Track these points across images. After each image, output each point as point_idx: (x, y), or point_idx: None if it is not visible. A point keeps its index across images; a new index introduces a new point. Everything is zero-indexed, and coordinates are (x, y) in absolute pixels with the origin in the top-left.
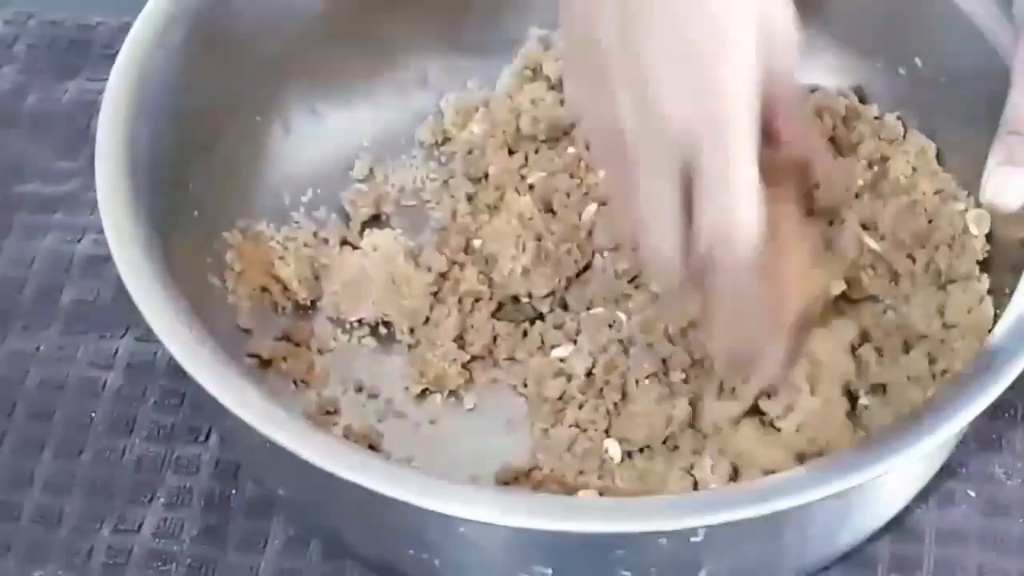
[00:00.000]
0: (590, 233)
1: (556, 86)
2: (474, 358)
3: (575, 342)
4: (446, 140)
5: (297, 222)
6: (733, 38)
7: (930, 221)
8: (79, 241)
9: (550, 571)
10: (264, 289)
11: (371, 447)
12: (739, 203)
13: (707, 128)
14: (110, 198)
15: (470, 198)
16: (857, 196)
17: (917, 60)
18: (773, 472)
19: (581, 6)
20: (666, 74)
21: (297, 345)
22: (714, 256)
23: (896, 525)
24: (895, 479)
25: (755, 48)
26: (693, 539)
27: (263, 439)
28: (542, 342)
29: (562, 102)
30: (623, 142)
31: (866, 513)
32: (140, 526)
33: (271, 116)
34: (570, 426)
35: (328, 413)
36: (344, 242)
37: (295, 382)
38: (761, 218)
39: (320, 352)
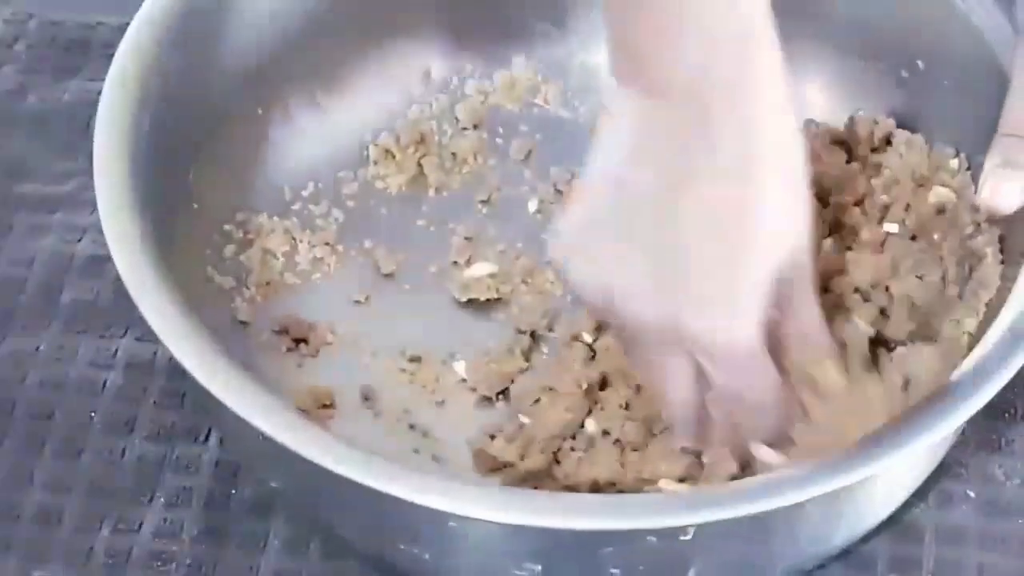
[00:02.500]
0: None
1: None
2: None
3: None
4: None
5: (297, 215)
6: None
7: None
8: (79, 241)
9: (539, 568)
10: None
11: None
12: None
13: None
14: (109, 193)
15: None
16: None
17: (919, 62)
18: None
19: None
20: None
21: (295, 340)
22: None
23: (896, 525)
24: (888, 479)
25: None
26: (683, 537)
27: (258, 433)
28: None
29: None
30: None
31: (859, 513)
32: (140, 526)
33: (272, 109)
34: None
35: (324, 407)
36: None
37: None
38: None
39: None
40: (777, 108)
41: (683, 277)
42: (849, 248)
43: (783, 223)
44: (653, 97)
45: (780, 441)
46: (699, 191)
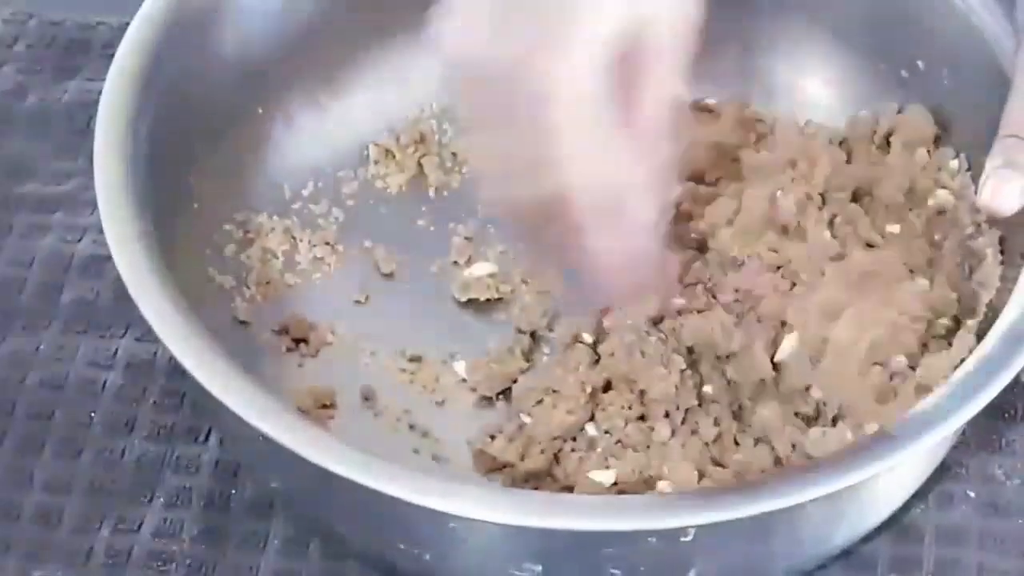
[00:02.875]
0: None
1: None
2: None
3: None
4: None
5: (297, 215)
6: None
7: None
8: (79, 241)
9: (540, 568)
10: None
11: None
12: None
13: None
14: (109, 193)
15: None
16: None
17: (919, 63)
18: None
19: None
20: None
21: (295, 340)
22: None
23: (896, 525)
24: (888, 480)
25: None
26: (683, 538)
27: (258, 434)
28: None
29: None
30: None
31: (860, 513)
32: (140, 526)
33: (272, 108)
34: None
35: (324, 407)
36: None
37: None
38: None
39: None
40: None
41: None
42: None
43: None
44: None
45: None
46: None
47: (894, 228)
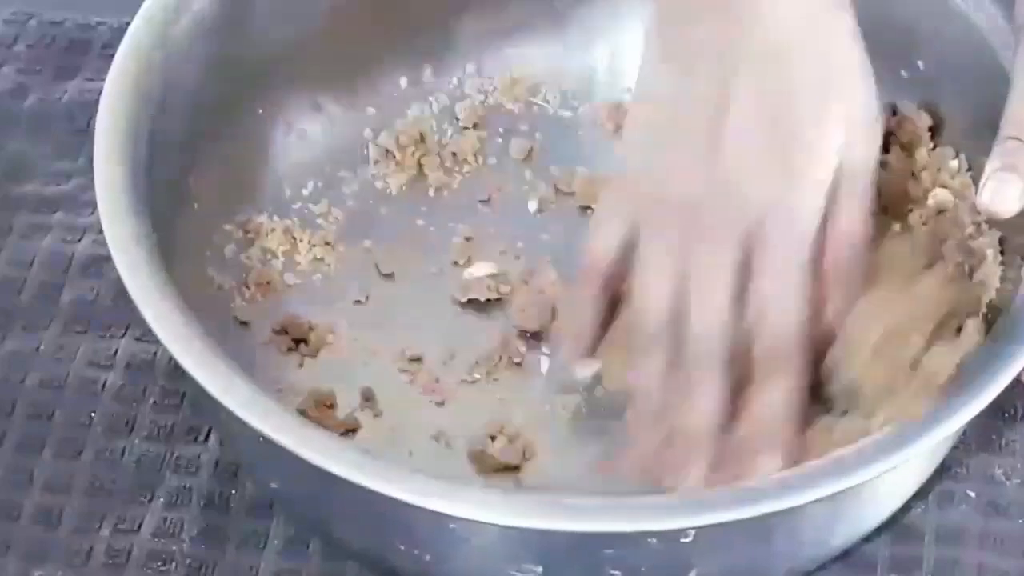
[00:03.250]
0: None
1: None
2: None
3: None
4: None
5: (297, 215)
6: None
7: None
8: (79, 241)
9: (540, 569)
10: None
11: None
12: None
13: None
14: (108, 194)
15: None
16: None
17: (919, 62)
18: None
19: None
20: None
21: (295, 340)
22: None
23: (896, 525)
24: (888, 481)
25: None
26: (683, 540)
27: (257, 435)
28: None
29: None
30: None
31: (860, 514)
32: (140, 526)
33: (272, 110)
34: None
35: (324, 407)
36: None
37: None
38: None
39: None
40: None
41: (742, 151)
42: None
43: (854, 114)
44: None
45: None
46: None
47: (894, 227)
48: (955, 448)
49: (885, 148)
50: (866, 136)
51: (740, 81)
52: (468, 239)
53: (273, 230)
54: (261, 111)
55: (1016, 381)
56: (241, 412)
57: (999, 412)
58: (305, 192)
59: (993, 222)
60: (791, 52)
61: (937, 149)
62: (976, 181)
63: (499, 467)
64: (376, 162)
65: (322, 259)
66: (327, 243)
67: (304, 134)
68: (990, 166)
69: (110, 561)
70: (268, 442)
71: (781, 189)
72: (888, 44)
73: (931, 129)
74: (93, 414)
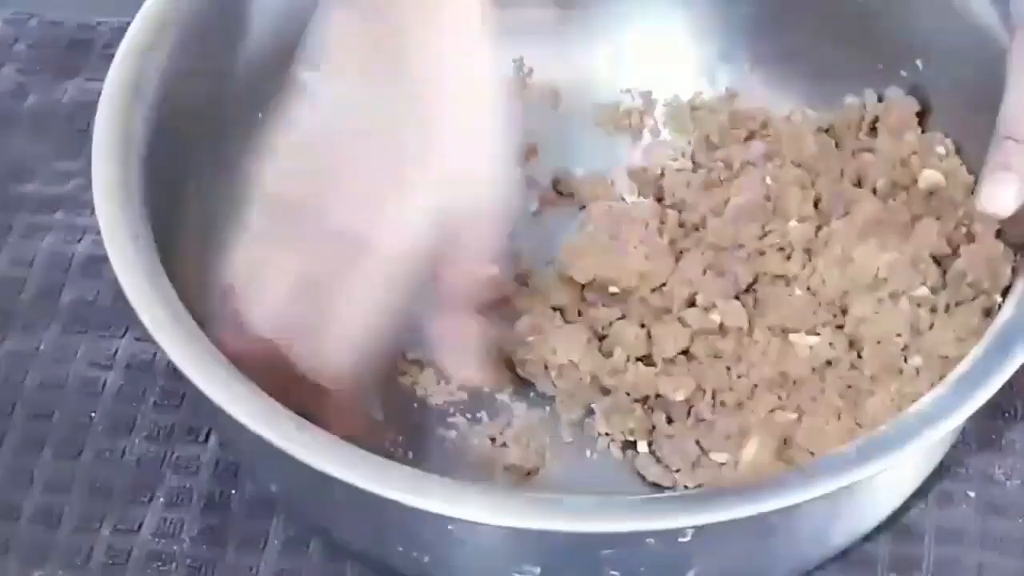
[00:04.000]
0: None
1: None
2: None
3: None
4: None
5: None
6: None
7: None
8: (79, 241)
9: (538, 570)
10: None
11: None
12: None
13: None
14: (106, 197)
15: None
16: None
17: (918, 62)
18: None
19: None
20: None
21: None
22: None
23: (895, 525)
24: (887, 480)
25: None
26: (681, 539)
27: (254, 435)
28: None
29: None
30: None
31: (859, 514)
32: (140, 526)
33: (273, 112)
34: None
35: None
36: None
37: None
38: None
39: None
40: (466, 45)
41: (363, 181)
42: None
43: (456, 162)
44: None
45: None
46: (382, 117)
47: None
48: (955, 448)
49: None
50: (473, 191)
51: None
52: None
53: None
54: (261, 114)
55: (1016, 381)
56: (239, 414)
57: (999, 412)
58: None
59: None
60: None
61: (926, 133)
62: (967, 163)
63: (499, 468)
64: None
65: None
66: None
67: None
68: (986, 167)
69: (110, 561)
70: (266, 445)
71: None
72: (887, 43)
73: (919, 115)
74: (93, 414)
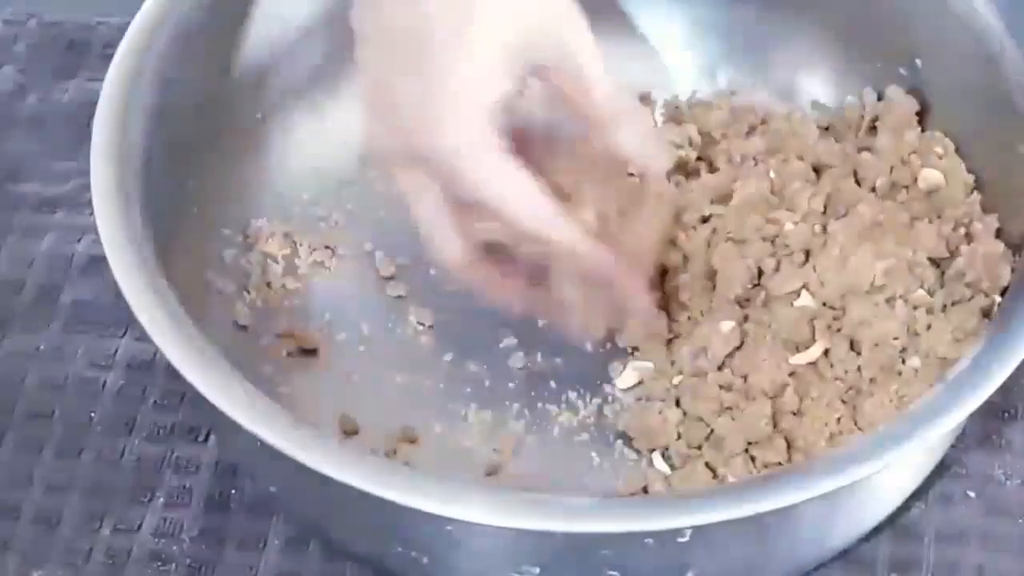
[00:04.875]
0: None
1: None
2: None
3: None
4: None
5: (297, 219)
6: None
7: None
8: (79, 241)
9: (537, 570)
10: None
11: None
12: (519, 211)
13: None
14: (105, 198)
15: None
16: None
17: (917, 61)
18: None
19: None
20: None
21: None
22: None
23: (895, 525)
24: (886, 480)
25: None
26: (680, 539)
27: (254, 437)
28: None
29: None
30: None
31: (858, 514)
32: (140, 526)
33: (272, 113)
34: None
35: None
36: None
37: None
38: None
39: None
40: None
41: (411, 94)
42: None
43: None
44: None
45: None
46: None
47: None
48: (955, 447)
49: (873, 133)
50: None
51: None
52: None
53: (273, 234)
54: (260, 115)
55: (1015, 381)
56: (237, 416)
57: (999, 412)
58: (305, 196)
59: (989, 207)
60: None
61: (926, 133)
62: (967, 163)
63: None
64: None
65: (322, 262)
66: (327, 247)
67: (303, 138)
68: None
69: (110, 561)
70: (265, 446)
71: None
72: (887, 43)
73: (919, 114)
74: (93, 414)
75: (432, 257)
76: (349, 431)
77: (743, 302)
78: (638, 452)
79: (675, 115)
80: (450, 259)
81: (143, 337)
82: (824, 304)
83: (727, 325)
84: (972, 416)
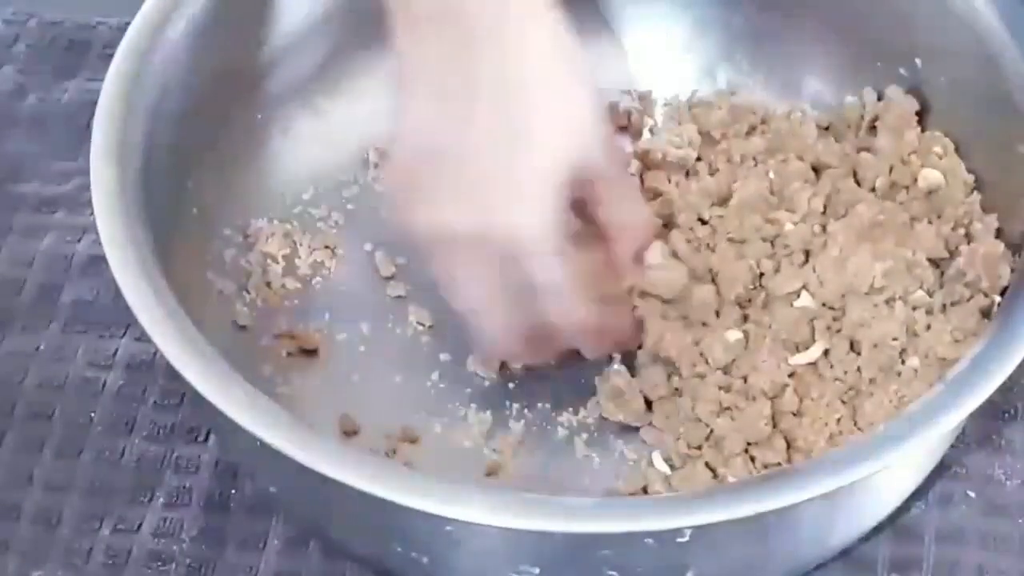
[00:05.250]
0: None
1: None
2: None
3: None
4: None
5: (297, 219)
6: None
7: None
8: (79, 241)
9: (537, 571)
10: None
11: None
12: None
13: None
14: (105, 198)
15: None
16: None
17: (917, 61)
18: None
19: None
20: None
21: (296, 344)
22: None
23: (895, 525)
24: (886, 480)
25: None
26: (679, 539)
27: (254, 438)
28: None
29: None
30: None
31: (858, 513)
32: (140, 526)
33: (271, 114)
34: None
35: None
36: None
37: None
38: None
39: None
40: (536, 21)
41: (482, 183)
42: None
43: (557, 128)
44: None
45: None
46: (478, 109)
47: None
48: (954, 447)
49: (873, 133)
50: (577, 129)
51: (482, 107)
52: None
53: (273, 234)
54: (259, 115)
55: (1015, 381)
56: (237, 416)
57: (999, 412)
58: (305, 196)
59: (988, 207)
60: (528, 86)
61: (926, 133)
62: (967, 163)
63: (497, 469)
64: (376, 165)
65: (322, 263)
66: (327, 247)
67: (303, 138)
68: None
69: (110, 561)
70: (265, 446)
71: (519, 214)
72: (887, 43)
73: (918, 114)
74: (93, 414)
75: (477, 339)
76: (349, 431)
77: (743, 303)
78: (637, 452)
79: (675, 115)
80: (502, 341)
81: (143, 337)
82: (824, 304)
83: (733, 335)
84: (972, 416)
